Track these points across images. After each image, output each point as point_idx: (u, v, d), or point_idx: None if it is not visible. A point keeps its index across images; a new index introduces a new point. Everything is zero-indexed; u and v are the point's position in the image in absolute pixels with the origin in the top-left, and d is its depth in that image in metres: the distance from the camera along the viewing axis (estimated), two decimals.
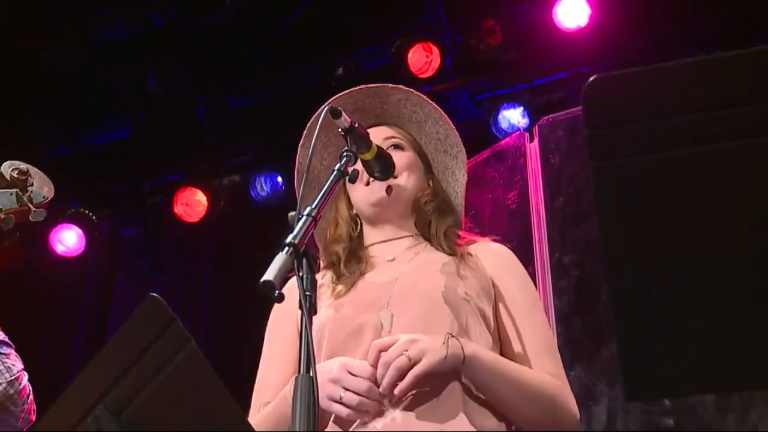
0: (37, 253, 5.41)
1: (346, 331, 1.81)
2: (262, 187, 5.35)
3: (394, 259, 1.94)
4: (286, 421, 1.36)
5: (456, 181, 2.08)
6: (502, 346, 1.86)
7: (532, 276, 2.55)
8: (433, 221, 1.98)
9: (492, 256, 1.95)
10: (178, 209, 5.33)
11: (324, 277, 1.96)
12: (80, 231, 5.32)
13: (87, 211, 5.31)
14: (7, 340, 2.63)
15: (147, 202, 5.67)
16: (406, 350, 1.66)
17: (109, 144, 5.79)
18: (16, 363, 2.59)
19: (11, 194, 1.96)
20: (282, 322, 1.96)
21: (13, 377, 2.55)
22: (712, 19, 4.60)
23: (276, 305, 1.92)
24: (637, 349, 1.01)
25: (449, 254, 1.92)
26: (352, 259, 1.95)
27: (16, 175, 1.97)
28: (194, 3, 5.10)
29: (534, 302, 1.93)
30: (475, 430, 1.68)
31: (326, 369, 1.70)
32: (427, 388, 1.69)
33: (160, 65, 5.21)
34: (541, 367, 1.81)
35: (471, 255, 1.93)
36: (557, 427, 1.79)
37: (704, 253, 0.99)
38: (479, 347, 1.75)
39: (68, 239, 5.36)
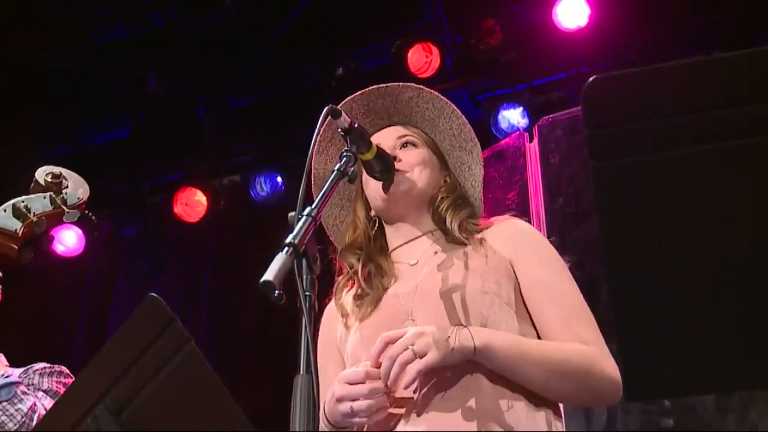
0: (37, 253, 5.39)
1: (370, 353, 1.78)
2: (262, 187, 5.35)
3: (417, 263, 1.93)
4: None
5: (473, 176, 2.06)
6: (534, 325, 1.84)
7: None
8: (449, 215, 1.96)
9: (508, 237, 1.92)
10: (178, 209, 5.34)
11: (348, 294, 1.95)
12: (80, 231, 5.32)
13: (87, 211, 5.30)
14: (11, 378, 2.50)
15: (147, 202, 5.67)
16: (413, 344, 1.65)
17: (109, 144, 5.79)
18: (24, 400, 2.45)
19: (45, 198, 2.05)
20: (327, 345, 1.96)
21: (18, 424, 2.44)
22: (712, 19, 4.60)
23: (321, 328, 1.96)
24: (637, 349, 1.01)
25: (466, 245, 1.90)
26: (374, 273, 1.93)
27: (50, 180, 2.06)
28: (194, 3, 5.10)
29: (557, 273, 1.87)
30: (475, 430, 1.67)
31: (330, 392, 1.72)
32: (448, 374, 1.69)
33: (160, 65, 5.22)
34: (574, 336, 1.76)
35: (486, 241, 1.90)
36: (596, 396, 1.78)
37: (704, 253, 0.99)
38: (495, 334, 1.72)
39: (68, 239, 5.36)
